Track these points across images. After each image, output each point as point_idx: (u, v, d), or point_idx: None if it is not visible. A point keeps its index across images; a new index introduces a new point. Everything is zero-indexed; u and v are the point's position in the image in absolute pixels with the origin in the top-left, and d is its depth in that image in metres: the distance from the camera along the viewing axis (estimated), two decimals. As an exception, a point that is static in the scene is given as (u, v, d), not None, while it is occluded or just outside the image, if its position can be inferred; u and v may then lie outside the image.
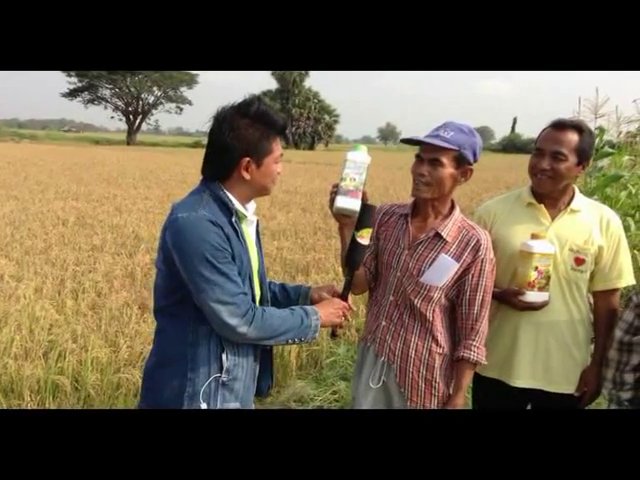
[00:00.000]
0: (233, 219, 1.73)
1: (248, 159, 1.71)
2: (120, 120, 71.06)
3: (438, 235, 2.04)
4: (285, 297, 2.03)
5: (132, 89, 67.40)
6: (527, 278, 2.08)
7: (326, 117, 69.02)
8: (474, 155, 2.02)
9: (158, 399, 1.76)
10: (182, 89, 71.28)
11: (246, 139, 1.70)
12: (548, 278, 2.11)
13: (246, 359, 1.80)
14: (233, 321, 1.65)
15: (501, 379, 2.23)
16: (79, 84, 66.95)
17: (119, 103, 69.20)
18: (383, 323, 2.11)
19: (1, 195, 11.67)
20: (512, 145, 65.23)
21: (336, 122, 70.57)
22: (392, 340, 2.08)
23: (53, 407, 3.31)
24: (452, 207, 2.10)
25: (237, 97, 1.76)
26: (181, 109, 73.24)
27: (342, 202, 1.89)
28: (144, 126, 74.56)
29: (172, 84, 68.16)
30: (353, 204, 1.90)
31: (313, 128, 67.07)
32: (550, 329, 2.18)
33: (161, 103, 71.63)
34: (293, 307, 1.83)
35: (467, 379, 2.07)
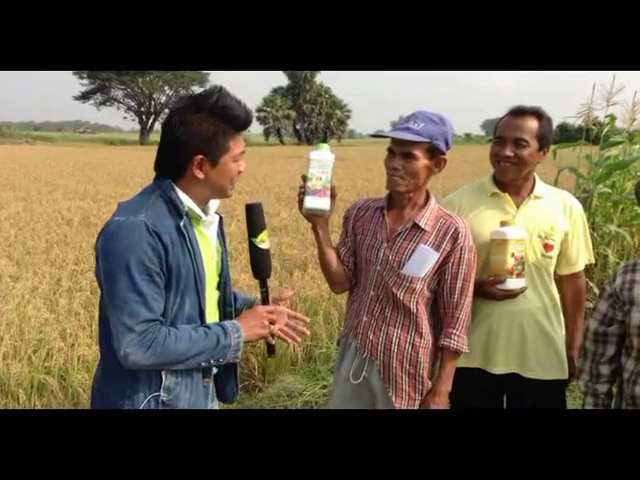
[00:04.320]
0: (182, 223, 1.58)
1: (201, 157, 1.57)
2: (133, 120, 71.79)
3: (416, 226, 2.02)
4: (234, 304, 1.89)
5: (144, 89, 67.90)
6: (505, 265, 2.06)
7: (338, 112, 68.93)
8: (446, 144, 1.99)
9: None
10: (193, 88, 71.67)
11: (199, 135, 1.56)
12: (523, 264, 2.10)
13: (190, 377, 1.66)
14: (128, 349, 1.50)
15: (481, 367, 2.22)
16: (91, 86, 67.63)
17: (131, 103, 69.87)
18: (364, 319, 2.10)
19: (9, 196, 11.79)
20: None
21: (348, 117, 70.49)
22: (374, 335, 2.07)
23: (39, 406, 3.30)
24: (427, 197, 2.08)
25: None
26: (193, 108, 73.73)
27: (311, 202, 1.91)
28: (157, 126, 75.17)
29: (183, 83, 68.60)
30: (322, 204, 1.92)
31: (325, 124, 67.04)
32: (524, 316, 2.17)
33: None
34: (210, 325, 1.64)
35: (450, 367, 2.06)
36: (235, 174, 1.66)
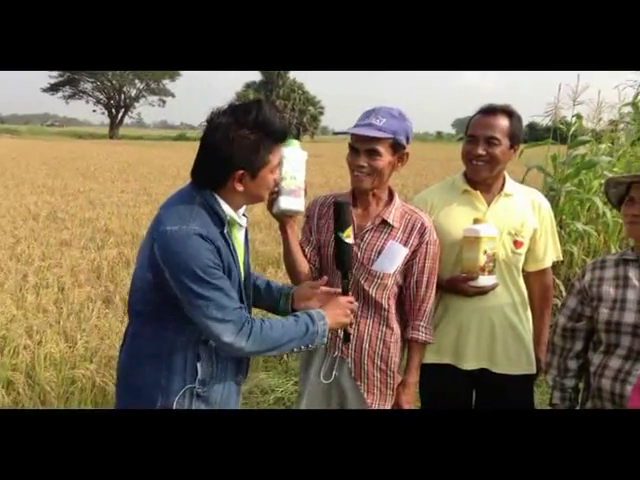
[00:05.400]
0: (225, 230, 1.66)
1: (242, 172, 1.63)
2: (103, 114, 70.60)
3: (384, 222, 2.03)
4: (268, 294, 1.96)
5: (114, 82, 66.81)
6: (478, 262, 2.08)
7: (311, 109, 68.80)
8: (407, 139, 2.00)
9: (134, 402, 1.71)
10: (165, 81, 70.93)
11: (242, 151, 1.60)
12: (495, 261, 2.12)
13: (225, 372, 1.74)
14: (229, 338, 1.59)
15: (452, 363, 2.23)
16: (59, 78, 66.29)
17: (101, 97, 68.68)
18: None
19: (-27, 191, 11.49)
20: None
21: (321, 113, 70.41)
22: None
23: (8, 403, 3.24)
24: (391, 193, 2.09)
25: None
26: (164, 102, 73.03)
27: (286, 203, 1.86)
28: (127, 119, 74.25)
29: (154, 77, 67.68)
30: (298, 204, 1.88)
31: (298, 120, 66.87)
32: (494, 312, 2.19)
33: (143, 96, 71.37)
34: (298, 314, 1.76)
35: (418, 359, 2.11)
36: (272, 184, 1.74)
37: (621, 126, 7.34)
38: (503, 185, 2.24)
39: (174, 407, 1.66)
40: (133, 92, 70.01)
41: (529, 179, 6.14)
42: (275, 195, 1.87)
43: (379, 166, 1.96)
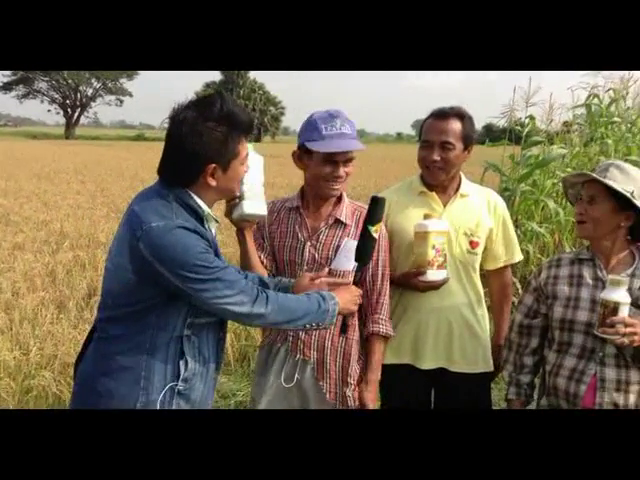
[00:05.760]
0: (206, 225, 1.66)
1: (214, 166, 1.61)
2: (58, 114, 68.91)
3: (338, 221, 2.06)
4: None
5: (69, 81, 65.27)
6: (426, 257, 2.09)
7: (272, 109, 68.63)
8: None
9: (103, 405, 1.64)
10: (122, 80, 69.63)
11: (211, 145, 1.58)
12: (445, 256, 2.14)
13: (206, 368, 1.72)
14: (247, 309, 1.60)
15: (411, 363, 2.25)
16: (13, 77, 64.42)
17: (56, 96, 67.00)
18: None
19: None
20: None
21: (282, 114, 70.33)
22: (306, 336, 2.06)
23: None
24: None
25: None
26: (121, 101, 71.63)
27: (250, 208, 1.84)
28: (83, 119, 72.60)
29: (111, 76, 66.31)
30: (262, 208, 1.88)
31: (259, 120, 66.58)
32: (451, 311, 2.22)
33: (100, 95, 69.84)
34: (309, 292, 1.78)
35: (379, 353, 2.11)
36: (242, 175, 1.73)
37: (574, 127, 7.55)
38: (459, 186, 2.27)
39: (157, 406, 1.62)
40: (89, 91, 68.59)
41: (486, 179, 6.27)
42: (237, 200, 1.85)
43: (351, 172, 2.03)
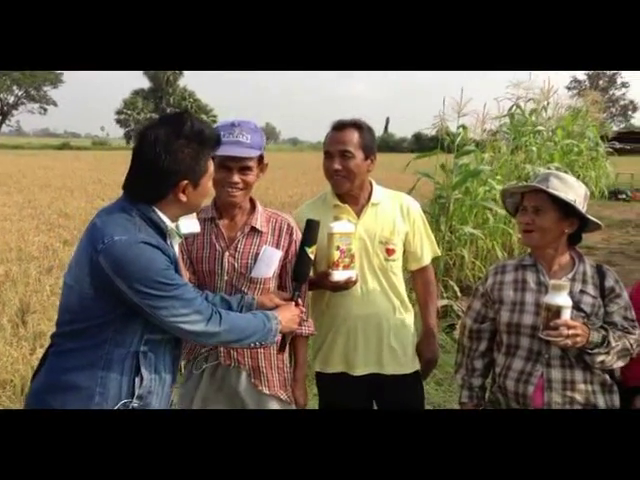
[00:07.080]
0: (168, 242, 1.67)
1: (186, 182, 1.63)
2: (-24, 122, 65.41)
3: (254, 229, 2.10)
4: (227, 308, 1.90)
5: (-11, 89, 62.22)
6: (332, 258, 2.12)
7: (204, 117, 67.59)
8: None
9: None
10: (46, 88, 66.98)
11: (184, 162, 1.61)
12: (352, 256, 2.16)
13: (162, 386, 1.71)
14: (202, 327, 1.62)
15: (344, 371, 2.31)
16: None
17: (-26, 104, 63.68)
18: None
19: None
20: (385, 145, 68.08)
21: (214, 122, 68.88)
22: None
23: None
24: (252, 200, 2.16)
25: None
26: (45, 109, 68.88)
27: (186, 227, 1.83)
28: (4, 128, 69.31)
29: (34, 83, 63.74)
30: (195, 226, 1.89)
31: (191, 129, 65.31)
32: (377, 318, 2.29)
33: (23, 103, 66.90)
34: (254, 312, 1.82)
35: (304, 352, 2.23)
36: (209, 191, 1.75)
37: (500, 136, 7.91)
38: (370, 195, 2.32)
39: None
40: (11, 99, 65.61)
41: (421, 188, 6.45)
42: None
43: (251, 181, 2.05)
